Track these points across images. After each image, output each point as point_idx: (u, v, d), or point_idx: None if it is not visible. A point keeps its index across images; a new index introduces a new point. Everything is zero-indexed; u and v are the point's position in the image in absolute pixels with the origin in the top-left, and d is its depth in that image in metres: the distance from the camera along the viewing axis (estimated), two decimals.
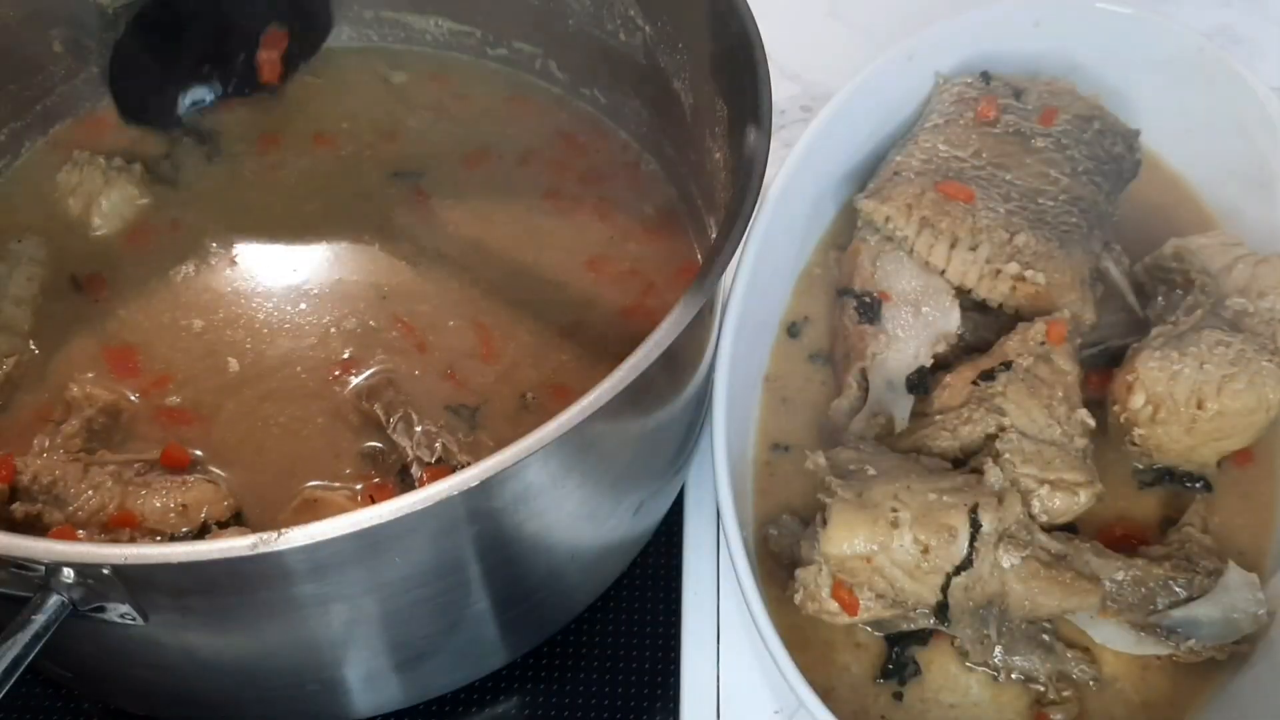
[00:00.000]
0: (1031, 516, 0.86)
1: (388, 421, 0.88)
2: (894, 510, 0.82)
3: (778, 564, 0.90)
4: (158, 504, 0.83)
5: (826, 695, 0.82)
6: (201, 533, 0.83)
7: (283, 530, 0.62)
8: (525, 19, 1.08)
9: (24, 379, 0.93)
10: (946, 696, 0.86)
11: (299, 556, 0.65)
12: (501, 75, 1.12)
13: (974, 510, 0.82)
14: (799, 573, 0.85)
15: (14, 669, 0.63)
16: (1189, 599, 0.85)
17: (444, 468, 0.86)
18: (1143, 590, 0.86)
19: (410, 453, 0.87)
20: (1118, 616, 0.85)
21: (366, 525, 0.63)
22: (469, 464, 0.80)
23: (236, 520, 0.85)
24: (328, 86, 1.12)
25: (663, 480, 0.90)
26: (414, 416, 0.88)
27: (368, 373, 0.93)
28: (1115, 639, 0.86)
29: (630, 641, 0.95)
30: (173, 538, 0.82)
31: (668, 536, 0.98)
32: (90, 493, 0.83)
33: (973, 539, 0.82)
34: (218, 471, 0.89)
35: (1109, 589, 0.85)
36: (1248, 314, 0.92)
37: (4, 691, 0.63)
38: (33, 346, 0.95)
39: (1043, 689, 0.85)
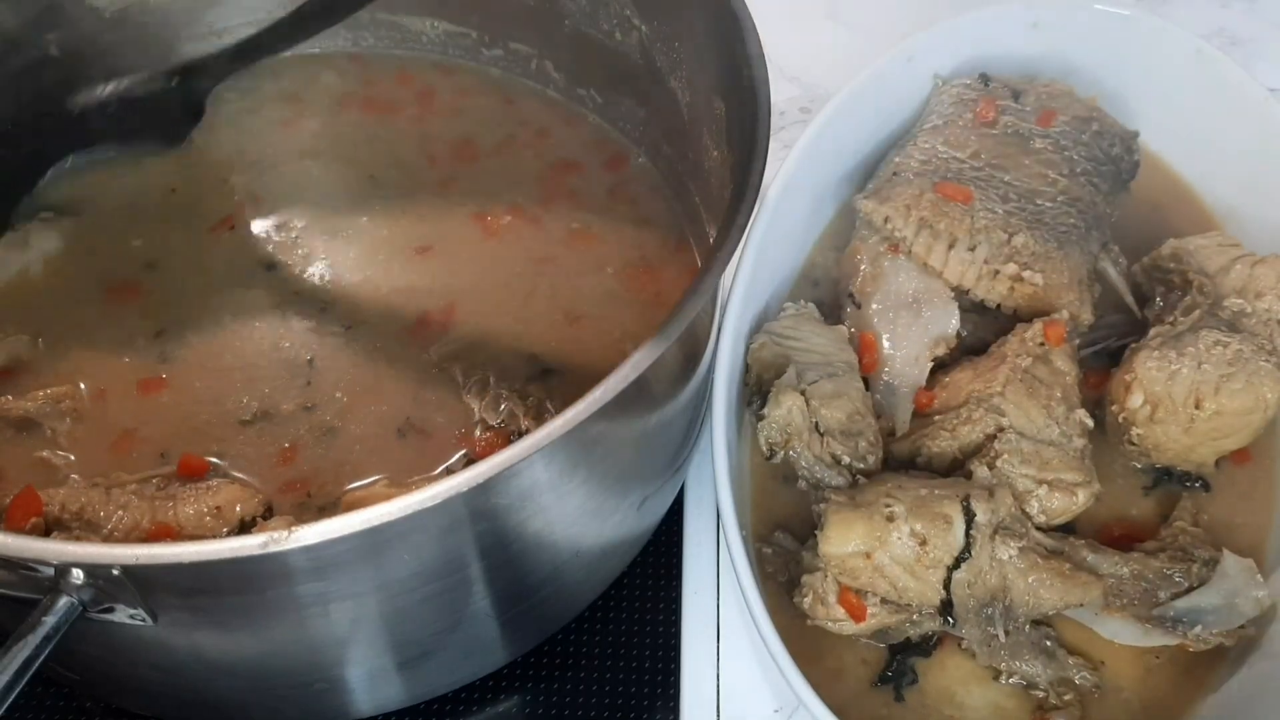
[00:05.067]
0: (1029, 516, 0.86)
1: (464, 382, 0.90)
2: (888, 506, 0.83)
3: (774, 581, 0.90)
4: (190, 511, 0.83)
5: (826, 694, 0.82)
6: (242, 530, 0.83)
7: (293, 529, 0.62)
8: (521, 20, 1.08)
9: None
10: (946, 708, 0.86)
11: (309, 555, 0.65)
12: (497, 76, 1.13)
13: (966, 500, 0.83)
14: (806, 578, 0.86)
15: (24, 671, 0.63)
16: (1190, 589, 0.86)
17: (503, 433, 0.88)
18: (1143, 584, 0.86)
19: (477, 414, 0.89)
20: (1122, 612, 0.86)
21: (376, 523, 0.63)
22: (528, 430, 0.81)
23: (266, 517, 0.85)
24: None
25: (662, 479, 0.91)
26: (491, 380, 0.90)
27: (453, 335, 0.95)
28: (1122, 633, 0.87)
29: (630, 641, 0.95)
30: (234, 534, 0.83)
31: (668, 536, 0.99)
32: (120, 513, 0.83)
33: (969, 528, 0.82)
34: (240, 475, 0.89)
35: (1110, 584, 0.86)
36: (1245, 314, 0.93)
37: (14, 694, 0.62)
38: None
39: (1043, 694, 0.85)
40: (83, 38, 1.04)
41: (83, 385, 0.93)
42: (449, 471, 0.86)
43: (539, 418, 0.89)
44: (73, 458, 0.89)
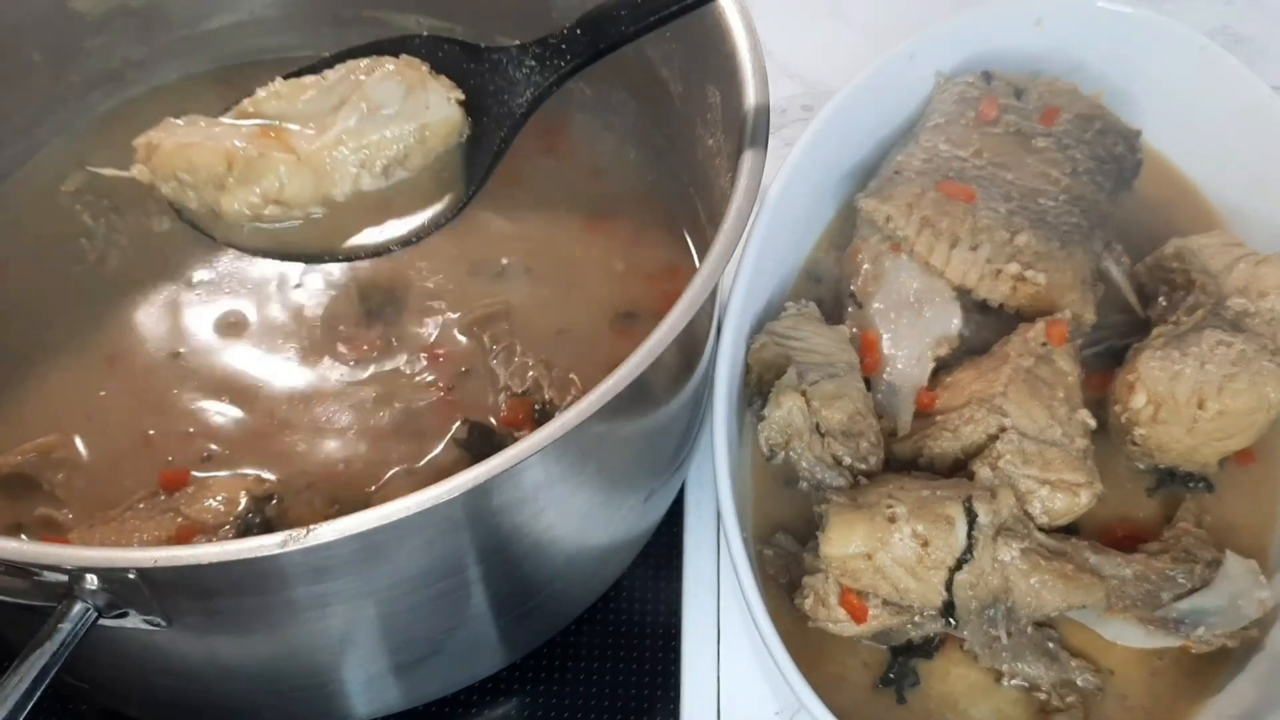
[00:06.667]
0: (1031, 517, 0.86)
1: (491, 349, 0.91)
2: (889, 506, 0.82)
3: (775, 584, 0.90)
4: (198, 508, 0.83)
5: (827, 697, 0.82)
6: (257, 507, 0.83)
7: (311, 527, 0.62)
8: (508, 14, 1.07)
9: None
10: (948, 710, 0.86)
11: (326, 553, 0.64)
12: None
13: (968, 500, 0.82)
14: (807, 579, 0.85)
15: (41, 680, 0.62)
16: (1193, 590, 0.86)
17: (527, 400, 0.89)
18: (1146, 585, 0.86)
19: (502, 380, 0.90)
20: (1125, 613, 0.85)
21: (395, 518, 0.63)
22: (551, 400, 0.83)
23: (269, 499, 0.85)
24: None
25: (660, 479, 0.91)
26: (517, 348, 0.91)
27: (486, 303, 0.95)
28: (1126, 634, 0.87)
29: (630, 641, 0.95)
30: (239, 524, 0.83)
31: (668, 537, 0.98)
32: (141, 536, 0.82)
33: (971, 529, 0.82)
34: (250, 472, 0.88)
35: (1113, 586, 0.85)
36: (1249, 314, 0.92)
37: (31, 704, 0.61)
38: None
39: (1046, 696, 0.85)
40: (66, 43, 1.04)
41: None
42: (454, 441, 0.87)
43: (563, 389, 0.89)
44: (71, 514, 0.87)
